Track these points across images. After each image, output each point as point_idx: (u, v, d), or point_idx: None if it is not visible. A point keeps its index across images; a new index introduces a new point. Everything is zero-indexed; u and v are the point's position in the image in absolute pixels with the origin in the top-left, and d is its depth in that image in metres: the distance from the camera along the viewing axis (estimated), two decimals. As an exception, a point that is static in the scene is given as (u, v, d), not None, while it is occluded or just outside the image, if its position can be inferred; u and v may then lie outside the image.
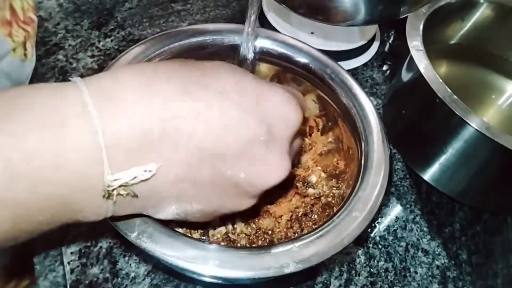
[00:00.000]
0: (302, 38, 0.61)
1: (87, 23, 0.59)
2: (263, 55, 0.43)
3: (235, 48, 0.43)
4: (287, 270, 0.29)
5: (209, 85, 0.26)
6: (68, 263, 0.38)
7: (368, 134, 0.37)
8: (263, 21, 0.59)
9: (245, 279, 0.29)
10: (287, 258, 0.29)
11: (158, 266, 0.39)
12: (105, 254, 0.39)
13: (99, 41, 0.57)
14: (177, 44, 0.41)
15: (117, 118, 0.23)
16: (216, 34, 0.43)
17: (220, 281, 0.37)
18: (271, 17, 0.57)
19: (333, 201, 0.41)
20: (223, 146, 0.26)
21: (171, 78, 0.25)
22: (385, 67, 0.62)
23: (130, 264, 0.39)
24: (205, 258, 0.28)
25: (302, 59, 0.43)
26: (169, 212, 0.28)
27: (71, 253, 0.39)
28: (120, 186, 0.24)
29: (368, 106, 0.39)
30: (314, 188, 0.43)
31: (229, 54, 0.43)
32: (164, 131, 0.24)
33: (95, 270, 0.38)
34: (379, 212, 0.47)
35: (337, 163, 0.43)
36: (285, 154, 0.28)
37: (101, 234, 0.40)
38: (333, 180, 0.42)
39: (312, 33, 0.62)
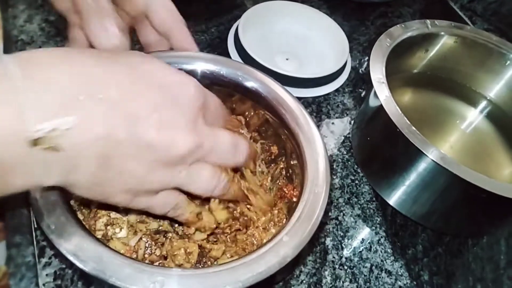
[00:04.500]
0: (278, 63, 0.64)
1: (69, 47, 0.61)
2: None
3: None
4: None
5: (119, 60, 0.29)
6: (44, 284, 0.40)
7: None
8: (239, 47, 0.61)
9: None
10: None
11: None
12: (80, 276, 0.41)
13: (79, 65, 0.59)
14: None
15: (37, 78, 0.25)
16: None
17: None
18: (247, 44, 0.60)
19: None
20: (136, 106, 0.28)
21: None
22: (355, 93, 0.64)
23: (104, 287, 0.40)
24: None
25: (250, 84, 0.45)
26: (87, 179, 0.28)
27: (46, 275, 0.40)
28: (44, 136, 0.25)
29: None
30: None
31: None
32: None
33: (69, 292, 0.40)
34: (346, 234, 0.49)
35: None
36: (191, 123, 0.30)
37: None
38: None
39: (287, 59, 0.65)
